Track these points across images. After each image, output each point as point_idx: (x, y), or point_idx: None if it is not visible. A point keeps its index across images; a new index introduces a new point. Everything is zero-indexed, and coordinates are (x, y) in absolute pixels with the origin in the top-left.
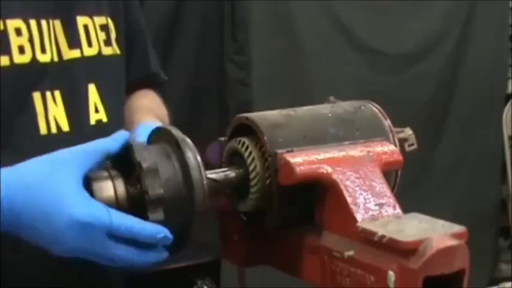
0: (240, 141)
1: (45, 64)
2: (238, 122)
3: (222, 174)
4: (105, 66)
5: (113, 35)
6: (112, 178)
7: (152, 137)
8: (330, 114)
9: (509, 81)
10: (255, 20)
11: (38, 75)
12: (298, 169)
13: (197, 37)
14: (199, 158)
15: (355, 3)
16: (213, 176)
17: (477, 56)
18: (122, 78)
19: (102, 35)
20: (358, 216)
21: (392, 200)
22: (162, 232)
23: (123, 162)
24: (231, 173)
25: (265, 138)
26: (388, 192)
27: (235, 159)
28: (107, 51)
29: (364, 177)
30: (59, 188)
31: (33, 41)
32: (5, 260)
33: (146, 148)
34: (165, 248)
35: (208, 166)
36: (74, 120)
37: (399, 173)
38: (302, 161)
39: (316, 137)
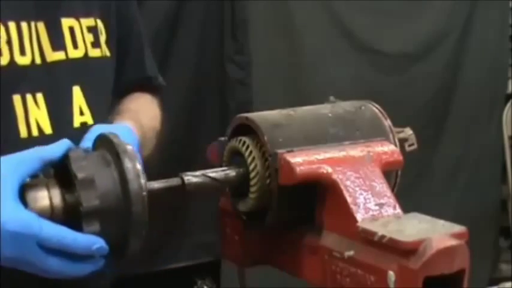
0: (240, 140)
1: (24, 67)
2: (238, 122)
3: (222, 173)
4: (92, 68)
5: (103, 37)
6: (48, 187)
7: (97, 143)
8: (330, 114)
9: (509, 81)
10: (255, 20)
11: (17, 78)
12: (298, 169)
13: (197, 37)
14: (139, 167)
15: (355, 3)
16: (213, 175)
17: (477, 56)
18: (110, 80)
19: (89, 37)
20: (358, 216)
21: (392, 200)
22: (97, 243)
23: (65, 171)
24: (231, 172)
25: (265, 138)
26: (388, 192)
27: (235, 158)
28: (94, 53)
29: (364, 177)
30: None
31: (11, 44)
32: None
33: (85, 157)
34: (104, 258)
35: (209, 166)
36: (57, 122)
37: (399, 173)
38: (302, 161)
39: (316, 137)
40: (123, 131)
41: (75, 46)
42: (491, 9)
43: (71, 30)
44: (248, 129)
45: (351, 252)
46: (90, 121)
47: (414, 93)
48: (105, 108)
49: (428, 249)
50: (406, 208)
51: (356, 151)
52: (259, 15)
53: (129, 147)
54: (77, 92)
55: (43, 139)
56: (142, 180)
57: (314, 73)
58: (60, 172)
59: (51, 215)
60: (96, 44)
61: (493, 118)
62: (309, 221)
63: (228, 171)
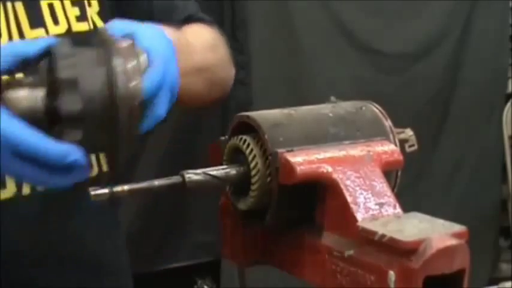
0: (241, 138)
1: None
2: (239, 121)
3: (223, 171)
4: None
5: (92, 9)
6: (29, 87)
7: (95, 38)
8: (331, 114)
9: (509, 81)
10: (255, 20)
11: None
12: (298, 168)
13: None
14: (131, 68)
15: (355, 3)
16: (214, 173)
17: (477, 56)
18: None
19: (74, 11)
20: (359, 216)
21: (392, 200)
22: (72, 155)
23: (47, 71)
24: (232, 170)
25: (266, 137)
26: (389, 192)
27: (236, 157)
28: (79, 27)
29: (364, 177)
30: None
31: None
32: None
33: (72, 54)
34: (84, 170)
35: (210, 165)
36: None
37: (399, 173)
38: (302, 160)
39: (317, 137)
40: (147, 31)
41: (56, 22)
42: (491, 9)
43: (50, 6)
44: (249, 128)
45: (351, 252)
46: None
47: (414, 93)
48: None
49: (428, 249)
50: (406, 208)
51: (356, 151)
52: (259, 15)
53: (125, 44)
54: None
55: None
56: (133, 83)
57: (314, 73)
58: (44, 73)
59: (30, 119)
60: (82, 17)
61: (493, 118)
62: (309, 220)
63: (228, 170)
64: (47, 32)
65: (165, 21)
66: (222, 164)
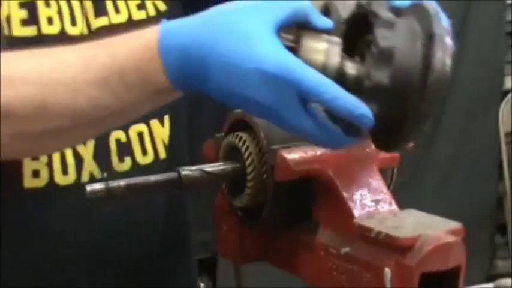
0: (237, 135)
1: (74, 37)
2: (235, 118)
3: (219, 168)
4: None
5: None
6: (328, 42)
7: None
8: None
9: (506, 77)
10: None
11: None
12: (294, 165)
13: None
14: (449, 47)
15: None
16: (210, 169)
17: (474, 53)
18: None
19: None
20: (355, 213)
21: (388, 196)
22: (362, 109)
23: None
24: (228, 167)
25: (262, 134)
26: (384, 189)
27: (232, 154)
28: (139, 15)
29: (360, 174)
30: (251, 31)
31: (61, 13)
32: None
33: (389, 23)
34: (361, 136)
35: (205, 162)
36: None
37: (395, 170)
38: (299, 157)
39: None
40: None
41: (117, 11)
42: (488, 6)
43: None
44: (245, 126)
45: (347, 249)
46: None
47: None
48: None
49: (424, 246)
50: (403, 205)
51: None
52: None
53: (445, 23)
54: None
55: None
56: (447, 66)
57: None
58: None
59: (320, 71)
60: (142, 6)
61: (490, 115)
62: (305, 217)
63: (224, 167)
64: (109, 20)
65: None
66: (218, 161)
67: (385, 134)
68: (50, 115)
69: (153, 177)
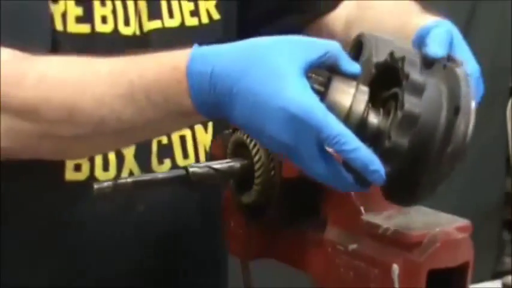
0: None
1: (126, 37)
2: None
3: (227, 165)
4: (187, 38)
5: (210, 2)
6: (356, 88)
7: (430, 65)
8: None
9: None
10: None
11: (118, 47)
12: None
13: None
14: (473, 107)
15: None
16: (218, 166)
17: (480, 51)
18: None
19: (189, 6)
20: (363, 209)
21: None
22: (376, 164)
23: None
24: (236, 164)
25: None
26: None
27: (240, 150)
28: (191, 22)
29: None
30: (281, 69)
31: (116, 13)
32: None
33: (418, 89)
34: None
35: (213, 159)
36: None
37: None
38: None
39: None
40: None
41: (171, 15)
42: (493, 5)
43: (168, 0)
44: None
45: (355, 246)
46: None
47: None
48: None
49: (432, 243)
50: None
51: None
52: None
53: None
54: None
55: None
56: (470, 131)
57: None
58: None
59: (344, 117)
60: (195, 12)
61: (497, 111)
62: (312, 214)
63: (232, 163)
64: (162, 24)
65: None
66: (225, 158)
67: (397, 192)
68: (75, 121)
69: (161, 174)
